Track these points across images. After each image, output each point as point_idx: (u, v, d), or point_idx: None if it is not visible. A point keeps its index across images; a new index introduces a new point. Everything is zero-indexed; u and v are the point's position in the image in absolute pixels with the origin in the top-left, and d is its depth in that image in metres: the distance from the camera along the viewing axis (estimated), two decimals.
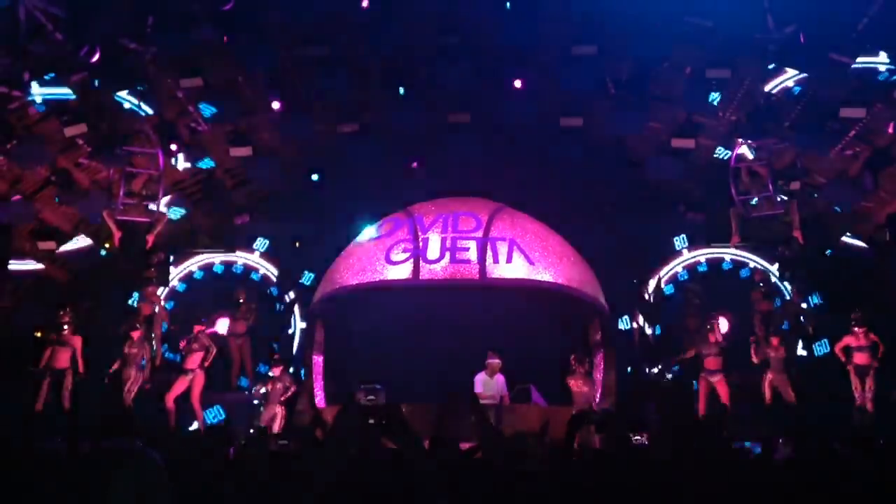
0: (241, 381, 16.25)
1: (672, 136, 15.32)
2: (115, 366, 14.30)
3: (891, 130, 14.48)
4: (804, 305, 15.93)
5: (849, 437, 6.84)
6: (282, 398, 14.03)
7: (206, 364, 14.64)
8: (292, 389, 14.41)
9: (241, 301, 16.18)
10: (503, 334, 14.78)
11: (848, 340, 13.96)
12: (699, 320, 15.50)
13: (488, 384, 13.65)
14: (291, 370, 15.16)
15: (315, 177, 17.29)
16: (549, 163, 16.21)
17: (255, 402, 15.35)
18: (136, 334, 14.48)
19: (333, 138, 15.98)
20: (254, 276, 17.33)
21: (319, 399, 15.19)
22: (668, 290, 16.86)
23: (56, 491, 2.29)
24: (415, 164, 17.01)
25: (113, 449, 2.43)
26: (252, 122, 15.69)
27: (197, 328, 14.78)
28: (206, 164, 16.32)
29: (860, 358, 13.87)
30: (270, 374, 14.27)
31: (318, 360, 15.59)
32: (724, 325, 15.37)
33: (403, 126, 15.64)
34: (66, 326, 14.29)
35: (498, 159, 16.66)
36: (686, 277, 16.88)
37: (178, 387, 14.35)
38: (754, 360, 14.79)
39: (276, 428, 13.75)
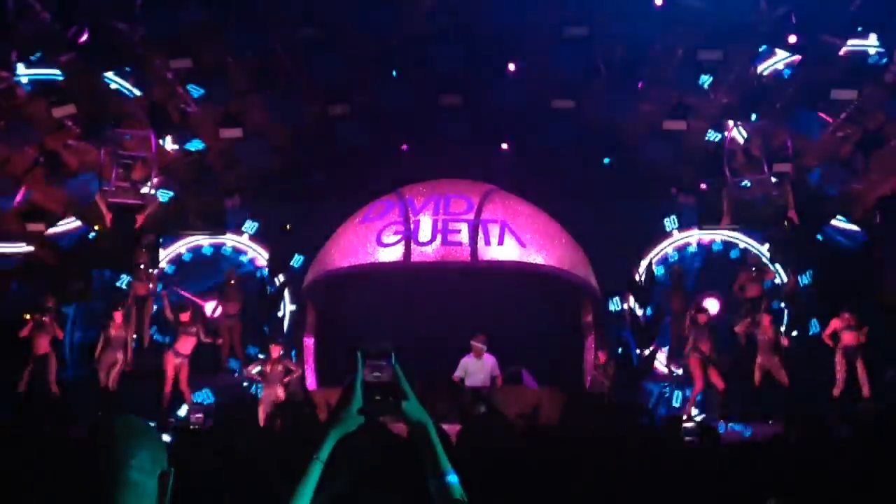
0: (231, 364, 16.21)
1: (664, 118, 15.28)
2: (98, 351, 14.32)
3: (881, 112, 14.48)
4: (794, 286, 16.00)
5: (842, 417, 6.85)
6: (284, 380, 13.96)
7: (206, 339, 14.83)
8: (298, 372, 14.33)
9: (233, 282, 16.12)
10: (495, 316, 14.76)
11: (835, 324, 13.98)
12: (683, 301, 15.55)
13: (475, 366, 13.58)
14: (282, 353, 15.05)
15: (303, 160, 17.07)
16: (541, 145, 16.13)
17: (245, 384, 15.34)
18: (117, 315, 14.41)
19: (324, 120, 15.91)
20: (243, 259, 17.27)
21: (310, 382, 15.25)
22: (659, 271, 16.89)
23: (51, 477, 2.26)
24: (404, 147, 16.96)
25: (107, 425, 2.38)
26: (242, 104, 15.63)
27: (183, 314, 14.69)
28: (196, 145, 16.22)
29: (848, 338, 13.87)
30: (270, 354, 14.21)
31: (308, 342, 15.70)
32: (713, 306, 15.45)
33: (394, 108, 15.57)
34: (47, 313, 14.23)
35: (490, 142, 16.68)
36: (676, 259, 16.88)
37: (171, 371, 14.34)
38: (737, 330, 14.84)
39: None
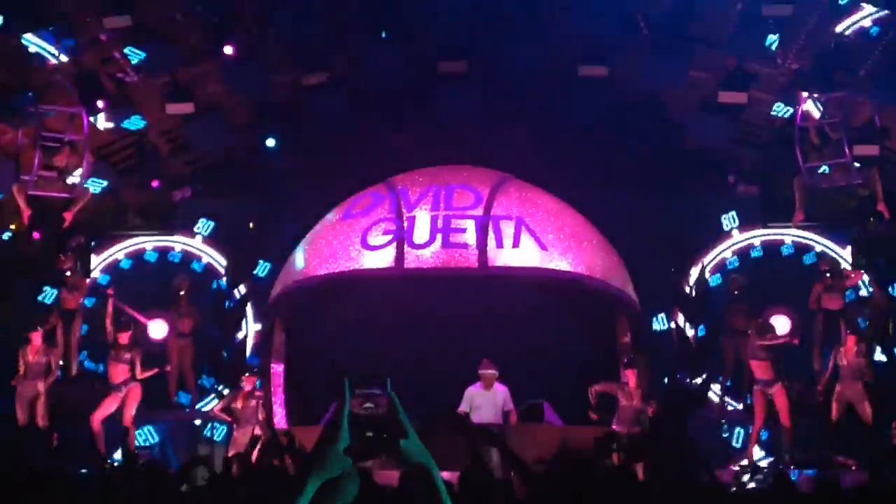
0: (181, 397, 16.40)
1: (719, 88, 15.43)
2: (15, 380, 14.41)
3: None
4: (883, 299, 16.00)
5: None
6: (261, 417, 14.17)
7: (143, 375, 14.74)
8: (262, 413, 14.49)
9: (183, 293, 16.25)
10: (509, 337, 14.92)
11: None
12: (745, 318, 15.59)
13: (483, 399, 13.78)
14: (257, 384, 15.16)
15: (271, 142, 17.28)
16: (566, 123, 16.27)
17: (198, 422, 15.46)
18: (36, 336, 14.52)
19: (297, 92, 16.04)
20: (195, 266, 17.38)
21: (279, 418, 15.32)
22: (715, 281, 16.95)
23: None
24: (396, 126, 17.07)
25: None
26: (195, 72, 15.78)
27: (122, 335, 14.74)
28: (136, 124, 16.37)
29: None
30: (241, 387, 14.34)
31: (277, 369, 15.72)
32: (781, 324, 15.47)
33: (384, 77, 15.76)
34: None
35: (502, 119, 16.66)
36: (737, 265, 17.00)
37: (108, 406, 14.48)
38: (816, 366, 14.97)
39: (255, 455, 13.63)
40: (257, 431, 13.91)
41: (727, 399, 16.08)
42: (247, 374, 14.45)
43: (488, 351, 14.09)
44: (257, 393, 14.38)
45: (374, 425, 3.00)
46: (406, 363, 14.63)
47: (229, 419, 14.25)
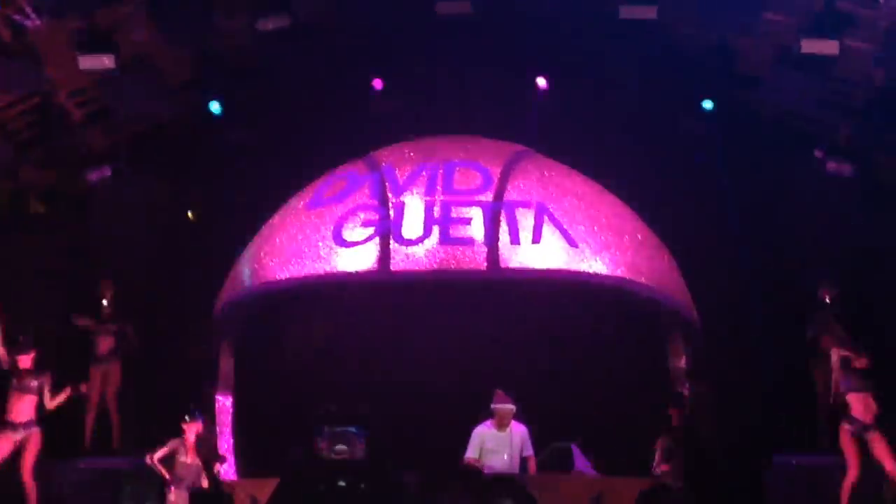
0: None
1: (801, 36, 14.95)
2: None
3: None
4: None
5: None
6: (203, 482, 13.91)
7: (53, 404, 14.34)
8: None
9: (107, 302, 16.01)
10: (526, 359, 15.12)
11: None
12: (838, 336, 15.17)
13: (496, 441, 13.70)
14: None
15: (216, 106, 17.08)
16: (602, 82, 16.15)
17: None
18: None
19: (250, 41, 15.76)
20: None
21: (228, 467, 15.09)
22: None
23: None
24: (378, 83, 16.83)
25: None
26: (116, 15, 15.44)
27: (22, 357, 14.36)
28: (40, 82, 15.92)
29: None
30: (184, 435, 14.05)
31: (224, 401, 15.69)
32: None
33: (364, 21, 15.63)
34: None
35: (517, 75, 16.50)
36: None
37: (5, 452, 14.11)
38: None
39: None
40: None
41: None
42: (188, 420, 14.06)
43: (500, 378, 13.94)
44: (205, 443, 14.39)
45: (349, 472, 2.42)
46: (393, 395, 14.85)
47: (165, 474, 13.87)
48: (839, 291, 15.70)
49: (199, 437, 13.91)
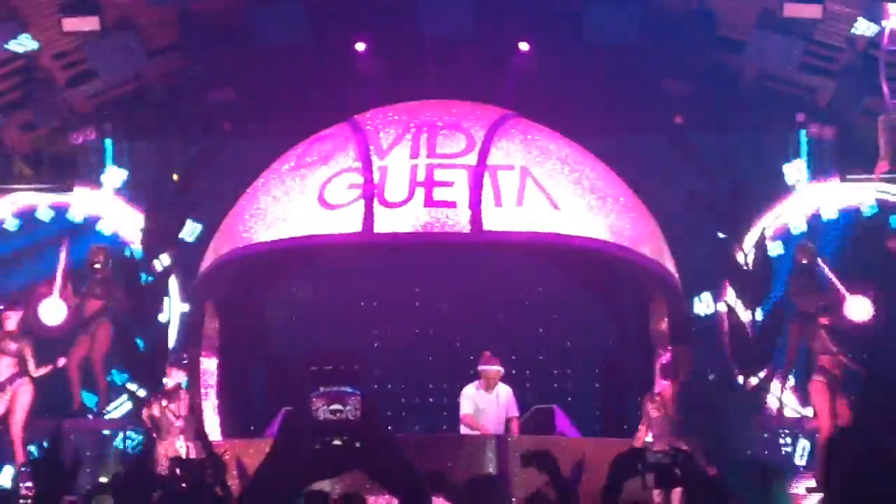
0: (86, 398, 16.11)
1: None
2: None
3: None
4: None
5: None
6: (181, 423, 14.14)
7: (37, 372, 14.59)
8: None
9: (98, 265, 16.09)
10: (509, 321, 15.30)
11: None
12: (815, 298, 15.49)
13: (485, 402, 13.83)
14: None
15: (199, 68, 17.05)
16: (586, 44, 16.08)
17: (107, 432, 15.43)
18: None
19: (234, 2, 15.94)
20: (102, 229, 17.19)
21: (212, 427, 15.20)
22: (777, 249, 16.76)
23: None
24: (362, 45, 16.71)
25: None
26: None
27: (8, 316, 14.56)
28: (24, 44, 15.82)
29: None
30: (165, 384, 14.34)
31: (209, 363, 15.67)
32: (859, 307, 15.35)
33: None
34: None
35: (502, 38, 16.50)
36: (805, 229, 16.83)
37: None
38: None
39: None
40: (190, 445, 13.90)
41: (790, 403, 16.09)
42: (172, 365, 14.40)
43: (484, 340, 14.11)
44: (183, 394, 14.32)
45: (344, 434, 3.11)
46: (377, 357, 15.15)
47: (150, 427, 14.14)
48: (816, 253, 15.94)
49: (178, 388, 14.12)
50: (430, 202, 14.39)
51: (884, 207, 16.78)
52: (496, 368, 13.73)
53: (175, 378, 14.33)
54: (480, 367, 13.74)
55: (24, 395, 14.47)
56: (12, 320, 14.57)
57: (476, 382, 13.81)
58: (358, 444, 3.12)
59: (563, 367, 14.93)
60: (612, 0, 15.48)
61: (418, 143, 14.83)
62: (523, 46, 16.70)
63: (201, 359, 15.46)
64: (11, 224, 17.09)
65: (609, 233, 14.65)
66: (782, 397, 16.08)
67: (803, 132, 16.89)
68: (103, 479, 13.48)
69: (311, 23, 16.09)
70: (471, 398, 13.86)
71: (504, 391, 13.82)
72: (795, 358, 15.84)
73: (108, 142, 17.48)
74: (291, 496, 2.99)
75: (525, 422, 13.93)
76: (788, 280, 16.22)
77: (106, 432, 15.52)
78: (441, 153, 14.72)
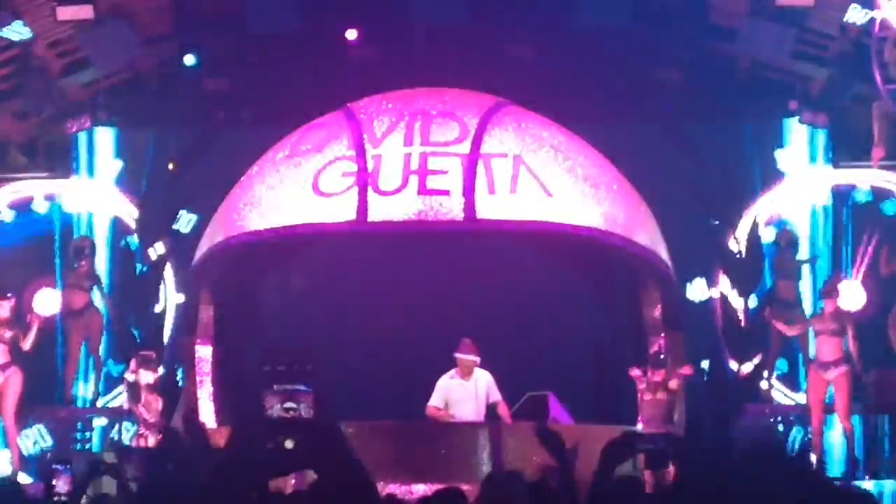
0: (78, 389, 16.40)
1: None
2: None
3: None
4: None
5: None
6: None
7: (27, 348, 14.79)
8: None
9: (86, 254, 16.25)
10: (502, 309, 15.18)
11: None
12: (796, 282, 15.81)
13: (461, 391, 13.91)
14: (163, 369, 15.48)
15: (190, 59, 16.94)
16: (580, 32, 16.12)
17: (103, 421, 15.53)
18: None
19: None
20: (96, 219, 17.29)
21: (207, 414, 15.27)
22: (770, 236, 16.80)
23: None
24: (353, 32, 16.71)
25: None
26: None
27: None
28: (18, 33, 15.85)
29: None
30: (131, 377, 14.38)
31: (204, 351, 15.72)
32: (850, 292, 15.40)
33: None
34: None
35: (496, 25, 16.55)
36: (797, 217, 16.88)
37: None
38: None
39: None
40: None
41: (782, 390, 16.14)
42: (139, 361, 14.55)
43: (476, 328, 14.11)
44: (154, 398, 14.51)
45: (296, 431, 2.97)
46: (371, 344, 15.16)
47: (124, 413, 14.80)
48: (796, 239, 16.20)
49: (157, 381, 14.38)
50: (423, 190, 14.41)
51: (878, 193, 16.72)
52: (471, 358, 13.75)
53: (143, 378, 14.38)
54: (456, 354, 13.75)
55: (15, 382, 14.61)
56: (5, 308, 14.70)
57: (453, 371, 13.85)
58: (310, 444, 3.04)
59: (556, 355, 14.90)
60: None
61: (412, 131, 14.81)
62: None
63: (196, 346, 15.50)
64: (7, 215, 17.05)
65: (602, 220, 14.65)
66: (772, 382, 16.11)
67: (796, 119, 16.87)
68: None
69: (304, 11, 16.02)
70: (442, 390, 13.87)
71: (483, 377, 13.84)
72: (780, 345, 15.92)
73: (103, 130, 17.45)
74: (248, 492, 3.00)
75: (519, 408, 13.97)
76: (771, 264, 16.39)
77: (102, 421, 15.71)
78: (434, 141, 14.72)
